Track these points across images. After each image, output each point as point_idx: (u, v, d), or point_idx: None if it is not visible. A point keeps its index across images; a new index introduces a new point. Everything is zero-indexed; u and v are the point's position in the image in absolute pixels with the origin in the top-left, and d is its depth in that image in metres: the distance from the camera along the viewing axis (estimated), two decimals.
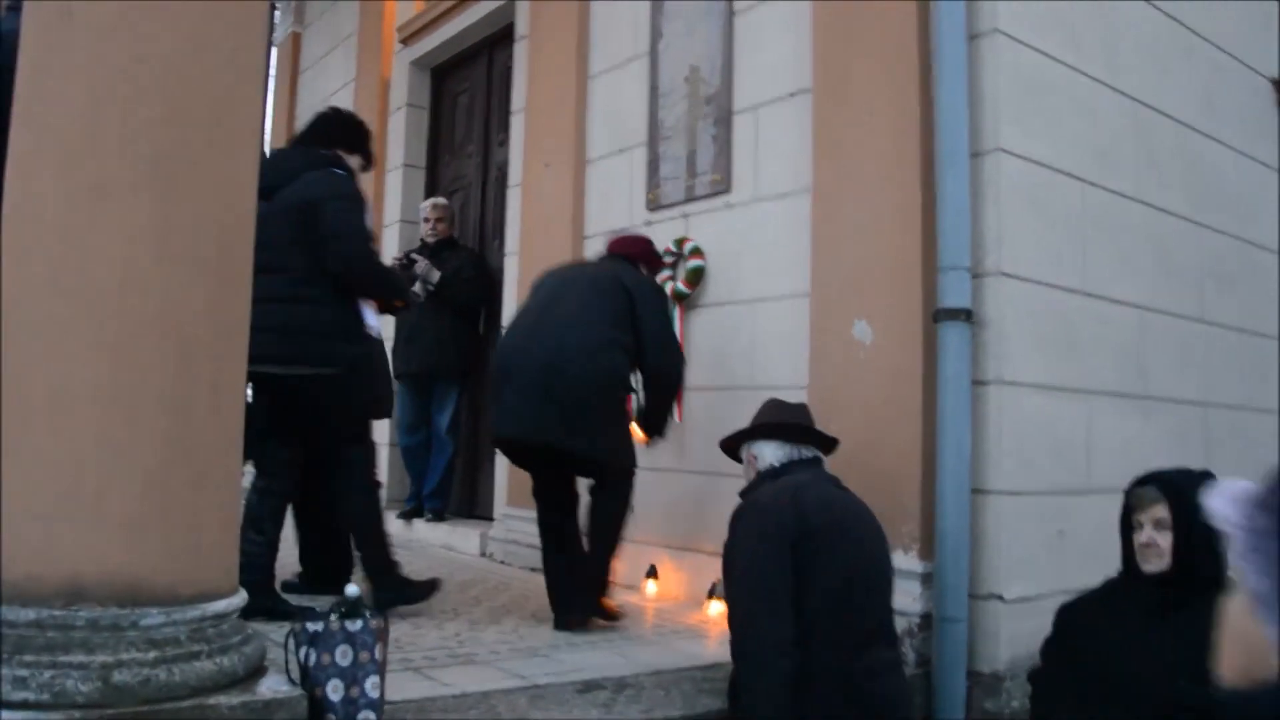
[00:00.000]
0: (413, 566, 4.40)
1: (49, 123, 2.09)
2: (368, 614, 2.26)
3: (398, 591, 3.73)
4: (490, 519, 5.72)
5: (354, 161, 3.99)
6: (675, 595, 4.25)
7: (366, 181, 7.23)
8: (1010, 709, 3.17)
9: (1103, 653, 2.43)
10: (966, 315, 3.28)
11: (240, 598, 2.24)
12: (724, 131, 4.39)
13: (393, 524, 6.41)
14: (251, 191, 2.36)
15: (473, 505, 6.34)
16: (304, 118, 8.69)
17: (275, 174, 3.60)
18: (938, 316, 3.32)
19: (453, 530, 5.85)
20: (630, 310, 3.71)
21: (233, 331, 2.27)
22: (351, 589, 2.26)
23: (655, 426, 4.01)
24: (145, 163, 2.12)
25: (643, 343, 3.73)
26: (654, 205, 4.73)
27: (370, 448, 3.86)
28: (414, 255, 5.85)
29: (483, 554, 5.48)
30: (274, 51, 9.43)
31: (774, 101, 4.20)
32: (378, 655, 2.22)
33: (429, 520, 6.05)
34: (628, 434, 3.83)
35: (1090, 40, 3.82)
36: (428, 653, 3.13)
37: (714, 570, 4.06)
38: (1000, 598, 3.25)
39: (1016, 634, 3.24)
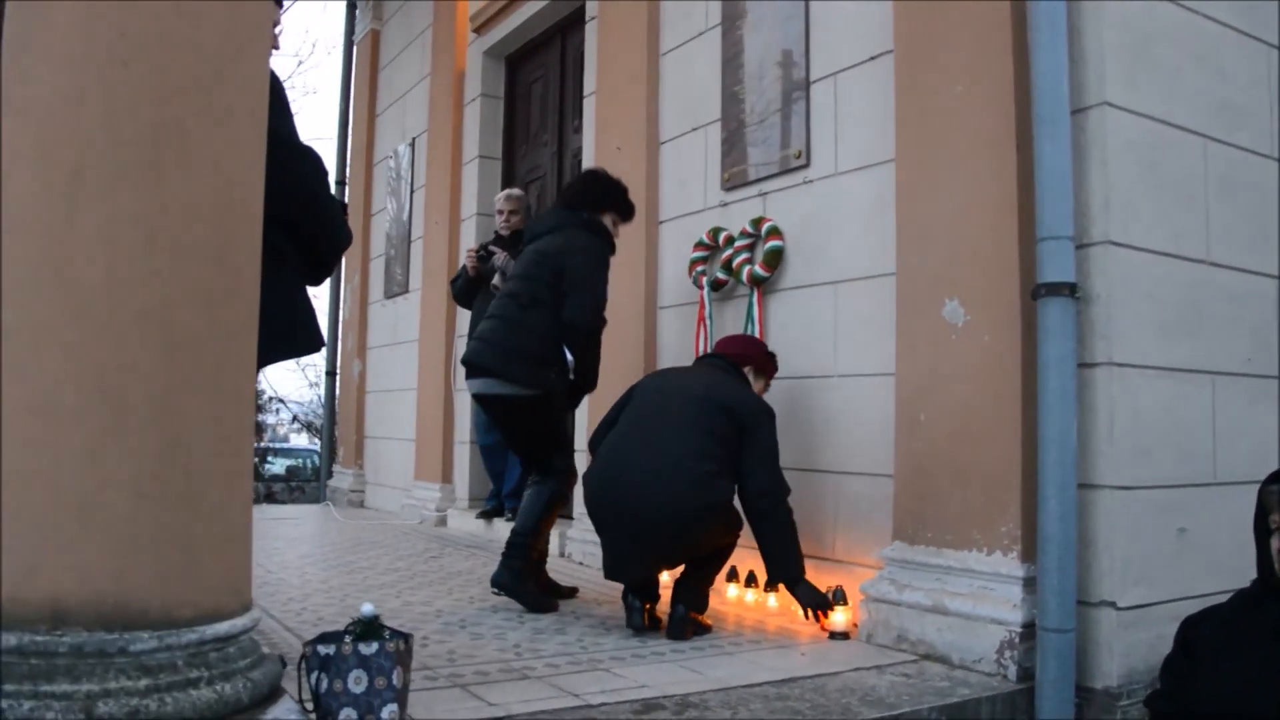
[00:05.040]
0: (489, 569, 4.23)
1: (22, 104, 1.91)
2: (386, 635, 2.04)
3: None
4: (570, 518, 5.51)
5: (609, 219, 4.17)
6: (760, 600, 3.96)
7: (443, 174, 7.15)
8: None
9: (1230, 676, 2.08)
10: (1070, 290, 2.93)
11: (250, 618, 2.04)
12: (801, 102, 4.09)
13: (473, 523, 6.28)
14: (257, 174, 2.15)
15: None
16: (385, 113, 8.70)
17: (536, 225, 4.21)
18: (1037, 293, 2.98)
19: None
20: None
21: (235, 328, 2.06)
22: (366, 608, 2.04)
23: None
24: (130, 144, 1.92)
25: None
26: (730, 184, 4.46)
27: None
28: (491, 248, 5.67)
29: (561, 554, 5.28)
30: (354, 49, 9.40)
31: (853, 67, 3.89)
32: (396, 681, 2.00)
33: (509, 520, 5.87)
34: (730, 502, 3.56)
35: None
36: (481, 667, 2.92)
37: (808, 573, 3.79)
38: (1113, 605, 2.90)
39: (1132, 646, 2.90)
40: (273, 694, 2.05)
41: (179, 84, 1.97)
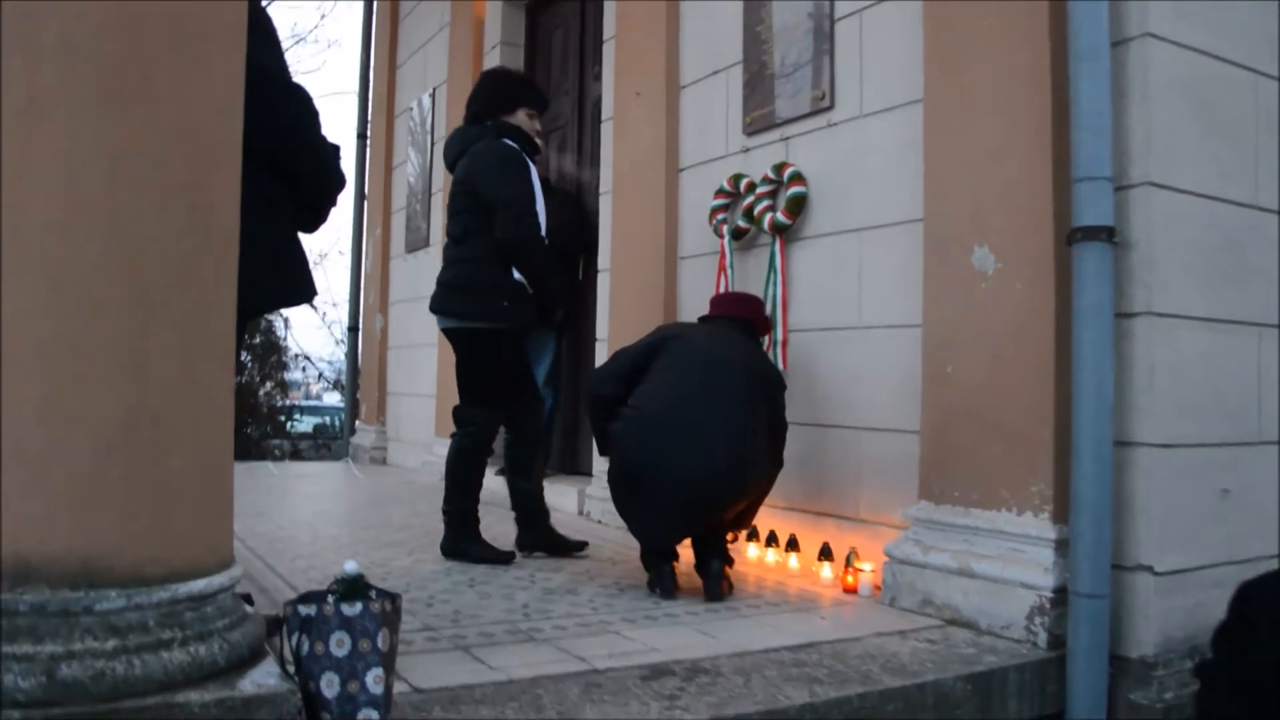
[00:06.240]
0: (504, 526, 4.13)
1: None
2: (371, 595, 1.91)
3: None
4: (590, 475, 5.40)
5: (521, 117, 3.97)
6: (781, 561, 3.83)
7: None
8: (1164, 702, 2.66)
9: None
10: (1108, 234, 2.74)
11: (228, 575, 1.92)
12: (825, 42, 3.90)
13: (493, 480, 6.17)
14: (234, 107, 2.01)
15: (574, 461, 6.03)
16: (406, 64, 8.53)
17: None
18: (1073, 237, 2.79)
19: (551, 486, 5.50)
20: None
21: (210, 273, 1.93)
22: (350, 566, 1.92)
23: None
24: (90, 73, 1.79)
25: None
26: (751, 129, 4.27)
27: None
28: None
29: (580, 512, 5.18)
30: (374, 2, 9.22)
31: (879, 3, 3.69)
32: (381, 644, 1.87)
33: None
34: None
35: None
36: (486, 628, 2.80)
37: (827, 533, 3.66)
38: (1150, 569, 2.74)
39: (1169, 613, 2.74)
40: (254, 656, 1.93)
41: (143, 7, 1.83)
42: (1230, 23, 3.05)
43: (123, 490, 1.77)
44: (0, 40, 1.73)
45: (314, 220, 2.82)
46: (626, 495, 3.34)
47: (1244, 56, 3.07)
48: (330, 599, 1.89)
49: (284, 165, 2.55)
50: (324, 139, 2.71)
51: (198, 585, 1.84)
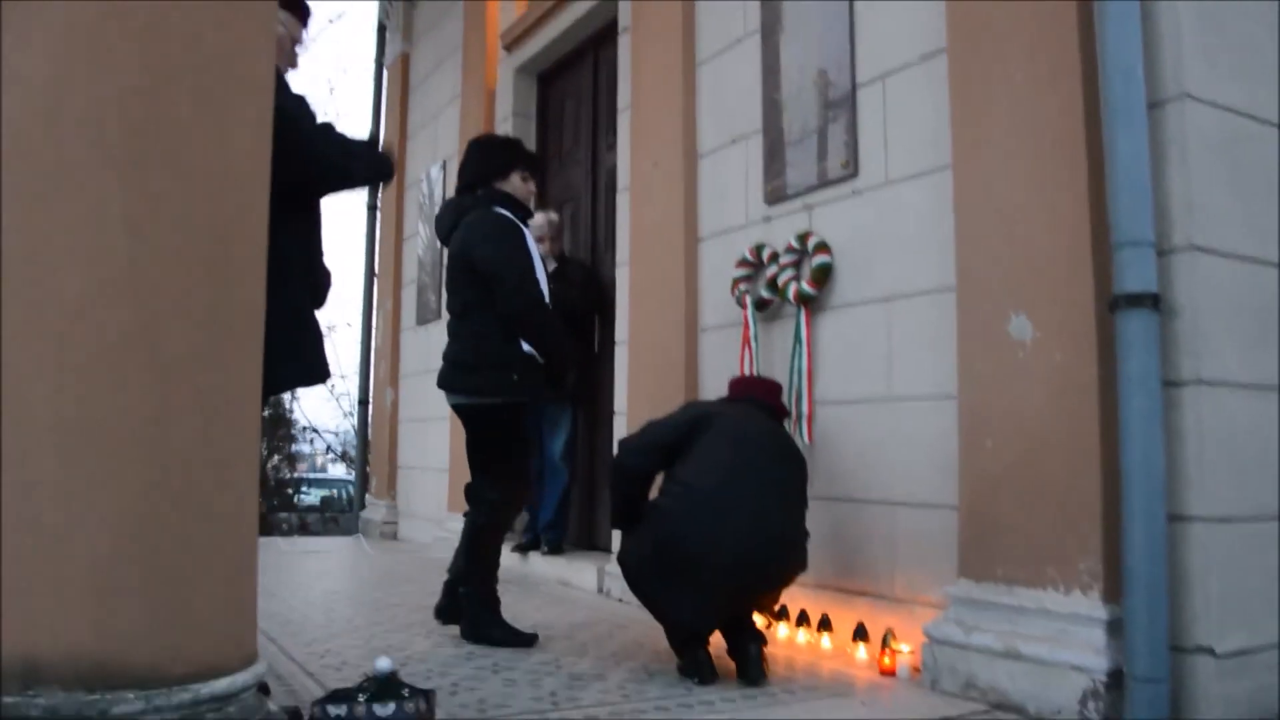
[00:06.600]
0: (522, 606, 4.00)
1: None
2: (405, 694, 1.80)
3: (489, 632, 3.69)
4: (609, 551, 5.26)
5: (515, 180, 3.90)
6: (813, 641, 3.69)
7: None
8: None
9: None
10: (1153, 301, 2.65)
11: (253, 673, 1.81)
12: (846, 109, 3.85)
13: (508, 557, 6.04)
14: (262, 173, 1.95)
15: (591, 537, 5.90)
16: (416, 136, 8.54)
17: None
18: (1115, 304, 2.70)
19: (569, 564, 5.43)
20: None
21: (235, 347, 1.85)
22: (382, 662, 1.81)
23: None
24: (116, 140, 1.73)
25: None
26: (773, 198, 4.21)
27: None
28: None
29: (600, 590, 5.03)
30: (384, 73, 9.29)
31: (903, 69, 3.64)
32: None
33: (545, 554, 5.65)
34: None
35: None
36: (514, 718, 2.67)
37: (859, 611, 3.53)
38: (1210, 651, 2.60)
39: (1232, 697, 2.60)
40: None
41: (169, 72, 1.77)
42: (1264, 82, 2.99)
43: (142, 580, 1.68)
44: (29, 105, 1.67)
45: (322, 294, 2.84)
46: (663, 573, 3.19)
47: (1276, 114, 3.01)
48: (361, 698, 1.78)
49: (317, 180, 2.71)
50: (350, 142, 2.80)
51: (220, 685, 1.74)
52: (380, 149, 3.03)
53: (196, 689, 1.70)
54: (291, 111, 2.54)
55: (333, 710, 1.79)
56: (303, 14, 2.94)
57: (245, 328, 1.91)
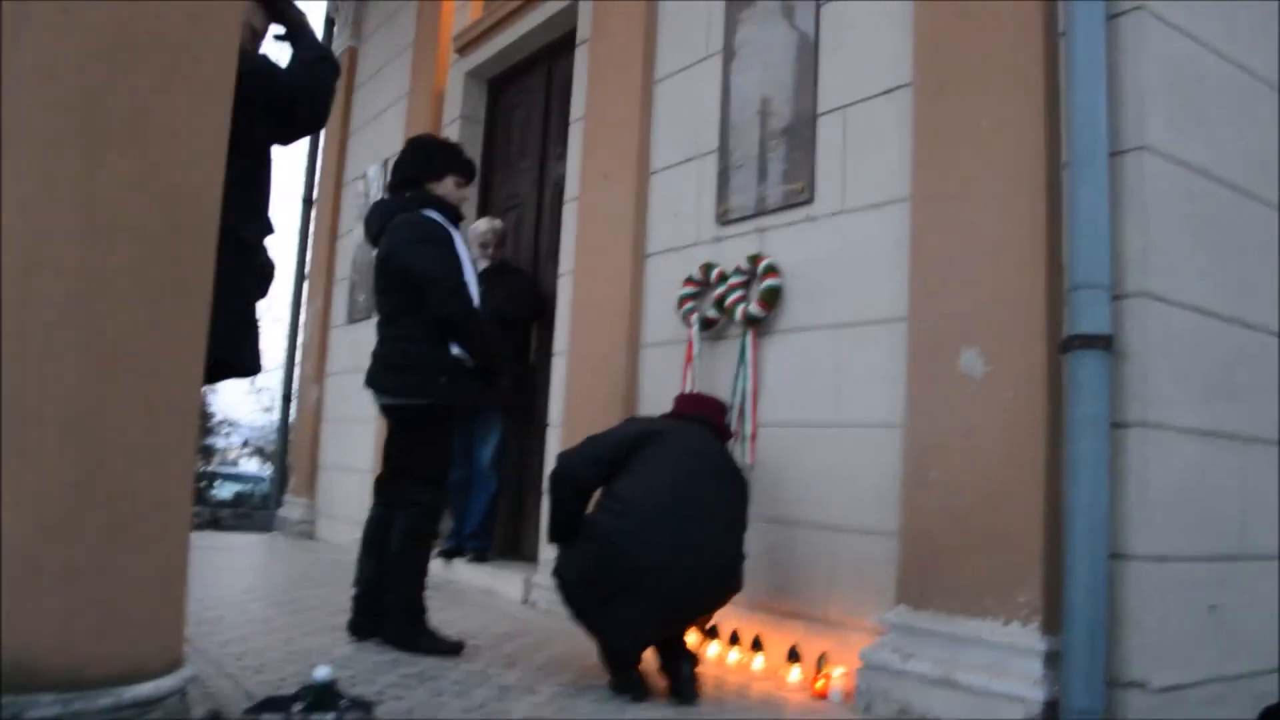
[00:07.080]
0: (447, 614, 3.93)
1: None
2: (342, 704, 1.74)
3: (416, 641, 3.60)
4: (535, 561, 5.21)
5: (449, 185, 3.86)
6: (744, 661, 3.69)
7: None
8: None
9: None
10: (1105, 343, 2.72)
11: (179, 677, 1.73)
12: (806, 135, 3.88)
13: (432, 563, 5.95)
14: (219, 150, 1.88)
15: (517, 546, 5.84)
16: (358, 133, 8.42)
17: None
18: (1067, 345, 2.76)
19: (495, 573, 5.36)
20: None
21: (181, 335, 1.78)
22: (321, 671, 1.75)
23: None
24: (68, 110, 1.65)
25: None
26: (725, 219, 4.23)
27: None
28: None
29: (525, 600, 4.98)
30: None
31: (865, 100, 3.69)
32: None
33: (470, 561, 5.57)
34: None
35: (1249, 30, 3.26)
36: None
37: (794, 634, 3.54)
38: (1143, 686, 2.66)
39: None
40: None
41: (125, 43, 1.71)
42: (1221, 142, 3.09)
43: (63, 579, 1.59)
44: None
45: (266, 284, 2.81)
46: (603, 592, 3.13)
47: (1232, 176, 3.11)
48: (298, 707, 1.72)
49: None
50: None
51: (145, 689, 1.65)
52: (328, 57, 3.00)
53: (119, 693, 1.62)
54: (262, 65, 2.63)
55: (267, 719, 1.72)
56: (267, 6, 2.88)
57: (192, 310, 1.83)
